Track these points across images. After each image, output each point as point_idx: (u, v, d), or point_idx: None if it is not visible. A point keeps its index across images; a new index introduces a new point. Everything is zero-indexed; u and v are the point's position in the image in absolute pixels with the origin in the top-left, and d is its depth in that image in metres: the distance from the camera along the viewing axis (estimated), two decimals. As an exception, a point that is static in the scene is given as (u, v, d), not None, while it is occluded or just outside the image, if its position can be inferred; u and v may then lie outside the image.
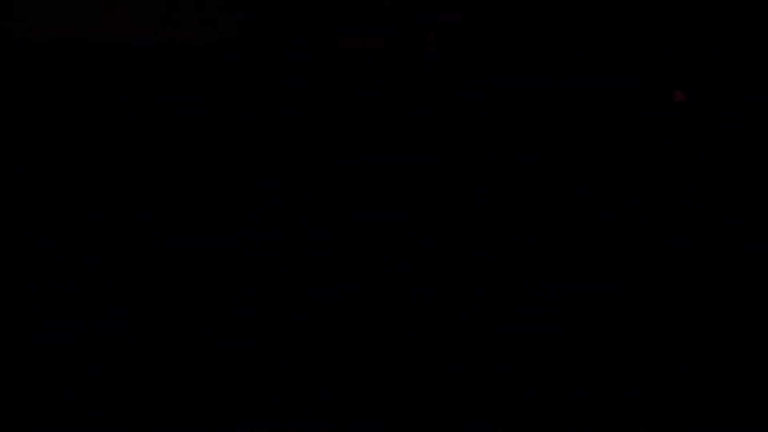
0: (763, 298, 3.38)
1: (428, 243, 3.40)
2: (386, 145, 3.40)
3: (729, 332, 3.37)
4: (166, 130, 3.36)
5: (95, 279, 3.32)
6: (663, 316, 3.38)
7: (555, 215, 3.40)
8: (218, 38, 3.39)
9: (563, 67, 3.40)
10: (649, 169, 3.41)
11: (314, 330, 3.35)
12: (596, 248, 3.39)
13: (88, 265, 3.32)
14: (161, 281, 3.34)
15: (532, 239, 3.39)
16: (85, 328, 3.30)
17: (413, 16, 3.40)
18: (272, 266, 3.37)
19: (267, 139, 3.39)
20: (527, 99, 3.40)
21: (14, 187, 3.31)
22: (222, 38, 3.39)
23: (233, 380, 3.32)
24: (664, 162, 3.41)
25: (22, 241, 3.30)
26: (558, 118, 3.39)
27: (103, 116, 3.36)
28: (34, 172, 3.32)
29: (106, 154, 3.35)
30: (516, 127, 3.39)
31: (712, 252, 3.39)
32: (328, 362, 3.34)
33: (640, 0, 3.40)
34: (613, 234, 3.40)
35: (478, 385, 3.36)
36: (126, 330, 3.32)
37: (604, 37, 3.40)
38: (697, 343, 3.37)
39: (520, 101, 3.39)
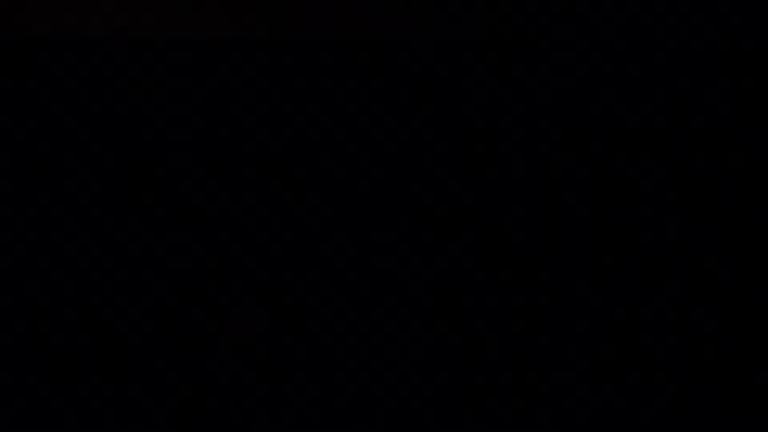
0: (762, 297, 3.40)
1: (430, 242, 3.41)
2: (384, 142, 3.41)
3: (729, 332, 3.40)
4: (168, 129, 3.36)
5: (96, 278, 3.32)
6: (662, 316, 3.40)
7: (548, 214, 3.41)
8: (217, 35, 3.40)
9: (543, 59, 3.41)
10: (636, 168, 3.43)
11: (316, 330, 3.36)
12: (588, 246, 3.40)
13: (91, 262, 3.32)
14: (161, 281, 3.35)
15: (529, 236, 3.40)
16: (86, 327, 3.31)
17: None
18: (273, 266, 3.37)
19: (266, 138, 3.39)
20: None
21: (14, 186, 3.31)
22: (220, 35, 3.40)
23: (237, 380, 3.33)
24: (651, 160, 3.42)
25: (24, 241, 3.31)
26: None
27: (102, 115, 3.36)
28: (35, 172, 3.32)
29: (110, 154, 3.35)
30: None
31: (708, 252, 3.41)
32: (329, 363, 3.36)
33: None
34: (608, 232, 3.42)
35: (479, 385, 3.37)
36: (127, 330, 3.32)
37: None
38: (697, 343, 3.40)
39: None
